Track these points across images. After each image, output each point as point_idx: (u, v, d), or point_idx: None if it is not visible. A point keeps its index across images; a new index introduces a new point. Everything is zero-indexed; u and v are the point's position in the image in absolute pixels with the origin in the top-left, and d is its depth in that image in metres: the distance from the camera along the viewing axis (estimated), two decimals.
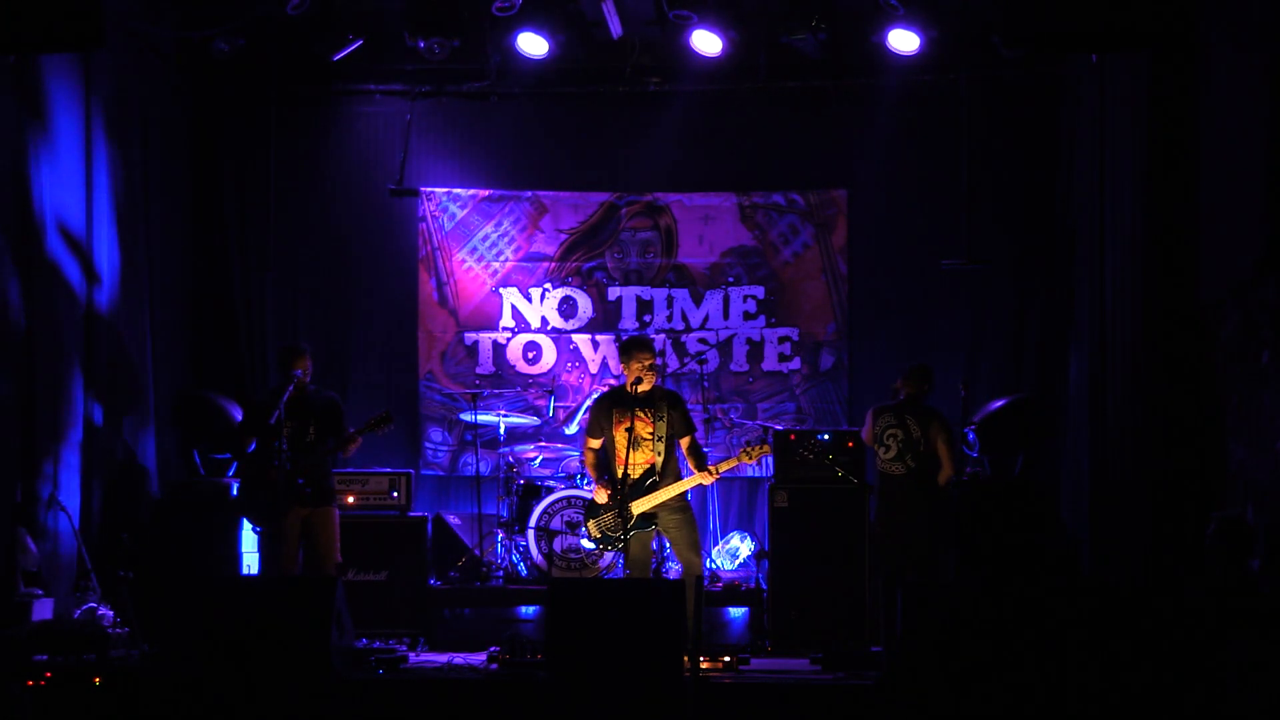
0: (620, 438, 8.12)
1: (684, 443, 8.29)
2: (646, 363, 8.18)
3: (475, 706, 7.33)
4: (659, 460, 8.18)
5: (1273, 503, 6.36)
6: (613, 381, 10.41)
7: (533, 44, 10.01)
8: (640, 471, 8.17)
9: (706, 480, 8.23)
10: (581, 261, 10.97)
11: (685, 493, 8.22)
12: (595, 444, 8.34)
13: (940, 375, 8.95)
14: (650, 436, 8.18)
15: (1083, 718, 6.56)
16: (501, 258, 10.96)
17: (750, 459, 8.28)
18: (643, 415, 8.19)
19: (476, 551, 9.92)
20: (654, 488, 8.15)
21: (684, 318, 10.90)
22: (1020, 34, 7.04)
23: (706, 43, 9.88)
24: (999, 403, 9.65)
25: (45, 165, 8.52)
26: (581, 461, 9.43)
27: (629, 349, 8.26)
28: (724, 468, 8.25)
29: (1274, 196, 6.27)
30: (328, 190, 10.93)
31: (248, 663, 7.25)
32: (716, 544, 10.19)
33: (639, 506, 8.13)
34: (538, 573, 9.52)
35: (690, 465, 8.32)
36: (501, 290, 10.95)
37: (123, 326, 9.44)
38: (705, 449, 8.77)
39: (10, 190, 8.20)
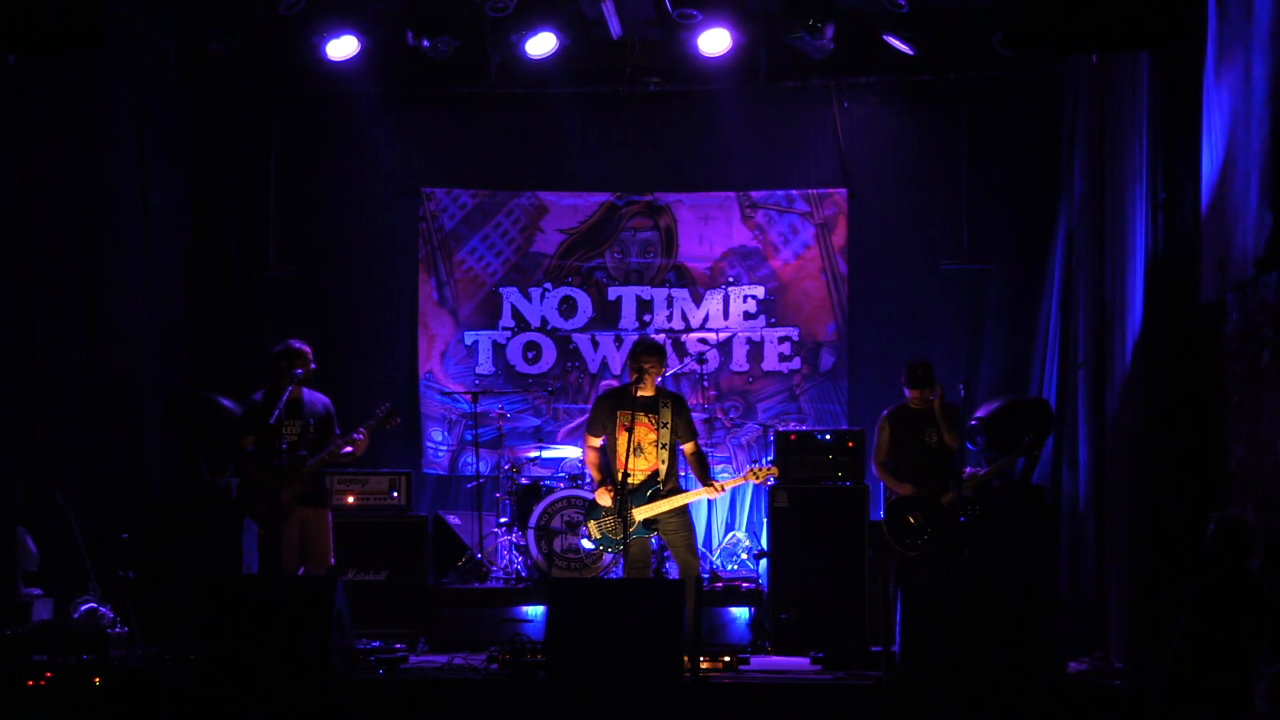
0: (621, 439, 8.12)
1: (687, 449, 8.30)
2: (650, 367, 8.17)
3: (475, 706, 7.35)
4: (662, 468, 8.17)
5: (1273, 503, 6.34)
6: (613, 381, 10.40)
7: (540, 42, 9.89)
8: (642, 477, 8.16)
9: (712, 494, 8.27)
10: (581, 261, 10.96)
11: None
12: (595, 442, 8.33)
13: (940, 375, 8.94)
14: (653, 444, 8.17)
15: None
16: (501, 258, 10.95)
17: (757, 479, 8.43)
18: (646, 420, 8.18)
19: (477, 552, 9.91)
20: (656, 496, 8.14)
21: (684, 318, 10.89)
22: (1020, 34, 7.01)
23: (714, 41, 9.82)
24: (999, 402, 9.64)
25: (45, 165, 8.52)
26: (582, 460, 9.43)
27: (637, 352, 8.25)
28: (730, 484, 8.45)
29: (1274, 196, 6.26)
30: (328, 190, 10.91)
31: (248, 663, 7.26)
32: (719, 543, 10.20)
33: (641, 513, 8.12)
34: (538, 573, 9.51)
35: (693, 471, 8.33)
36: (501, 290, 10.95)
37: (123, 326, 9.45)
38: (705, 449, 8.77)
39: (10, 190, 8.21)
